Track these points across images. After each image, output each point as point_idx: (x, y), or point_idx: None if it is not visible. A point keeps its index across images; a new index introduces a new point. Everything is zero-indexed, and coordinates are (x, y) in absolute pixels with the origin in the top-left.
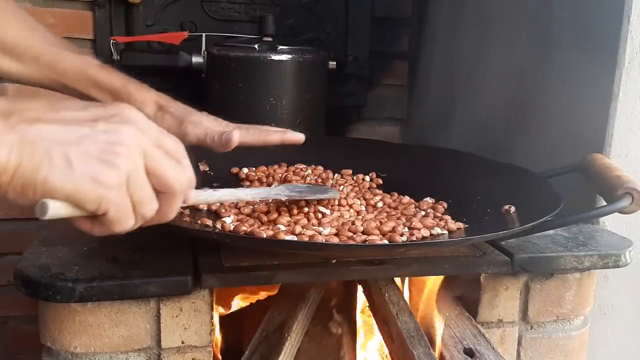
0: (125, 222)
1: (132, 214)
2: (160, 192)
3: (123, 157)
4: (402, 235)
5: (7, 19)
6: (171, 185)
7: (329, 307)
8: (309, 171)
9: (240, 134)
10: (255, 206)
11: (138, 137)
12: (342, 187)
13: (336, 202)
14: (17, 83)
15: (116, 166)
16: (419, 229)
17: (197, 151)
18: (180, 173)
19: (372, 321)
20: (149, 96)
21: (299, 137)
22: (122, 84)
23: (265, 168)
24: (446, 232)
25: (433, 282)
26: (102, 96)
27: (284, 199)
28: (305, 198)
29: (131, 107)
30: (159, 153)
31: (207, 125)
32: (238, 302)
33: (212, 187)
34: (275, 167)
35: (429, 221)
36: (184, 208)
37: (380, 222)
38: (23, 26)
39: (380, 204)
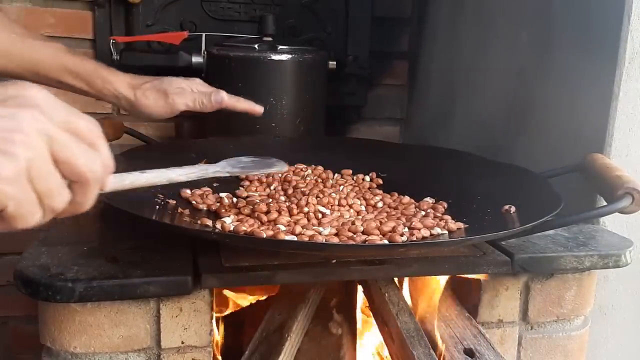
0: (29, 217)
1: (37, 207)
2: (72, 180)
3: (21, 145)
4: (402, 235)
5: None
6: (82, 173)
7: (329, 307)
8: (309, 171)
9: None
10: (255, 206)
11: (40, 121)
12: (342, 187)
13: (336, 202)
14: None
15: (12, 156)
16: (419, 229)
17: (197, 151)
18: (93, 159)
19: (372, 321)
20: (123, 78)
21: (255, 109)
22: (93, 69)
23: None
24: (446, 232)
25: (436, 284)
26: (76, 82)
27: (224, 175)
28: (249, 173)
29: (34, 87)
30: (66, 137)
31: (191, 93)
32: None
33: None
34: None
35: (429, 221)
36: (105, 195)
37: (380, 222)
38: None
39: (380, 204)
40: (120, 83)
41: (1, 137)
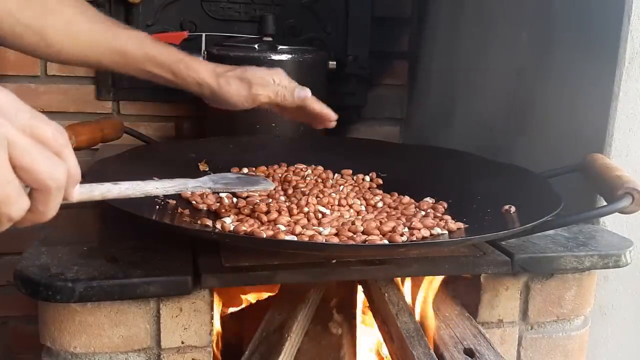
0: None
1: None
2: (33, 188)
3: None
4: (402, 235)
5: (61, 5)
6: (43, 180)
7: (329, 307)
8: (309, 171)
9: (311, 101)
10: (255, 206)
11: (0, 124)
12: (342, 187)
13: (336, 202)
14: (71, 64)
15: None
16: (419, 229)
17: (197, 151)
18: (55, 166)
19: (373, 321)
20: (206, 66)
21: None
22: (178, 58)
23: (265, 168)
24: (446, 232)
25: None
26: (160, 71)
27: (206, 192)
28: (233, 190)
29: None
30: (28, 142)
31: (274, 85)
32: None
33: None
34: (275, 167)
35: (429, 221)
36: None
37: (380, 222)
38: (75, 10)
39: (380, 204)
40: (204, 71)
41: None
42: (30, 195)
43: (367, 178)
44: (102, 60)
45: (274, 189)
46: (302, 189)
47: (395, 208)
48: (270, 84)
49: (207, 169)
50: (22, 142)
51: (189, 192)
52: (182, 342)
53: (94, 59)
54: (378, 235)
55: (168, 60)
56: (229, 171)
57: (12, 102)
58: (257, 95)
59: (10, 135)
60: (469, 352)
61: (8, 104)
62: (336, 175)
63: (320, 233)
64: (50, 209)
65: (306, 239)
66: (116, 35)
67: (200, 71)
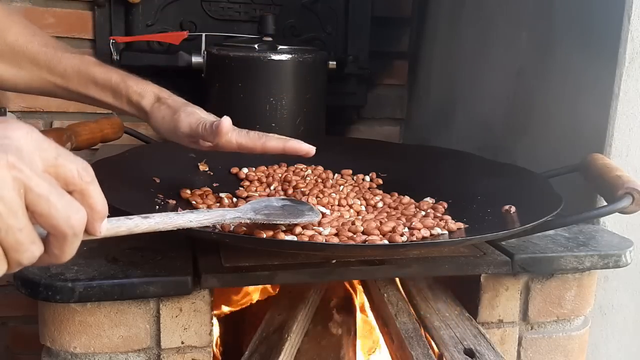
0: None
1: (3, 260)
2: (49, 232)
3: None
4: (402, 235)
5: (8, 24)
6: (59, 227)
7: (329, 307)
8: (309, 171)
9: (234, 134)
10: None
11: (16, 168)
12: (342, 187)
13: (336, 202)
14: (13, 91)
15: None
16: (419, 229)
17: (197, 151)
18: (74, 212)
19: (373, 321)
20: (149, 88)
21: (303, 148)
22: (120, 79)
23: (265, 168)
24: (446, 232)
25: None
26: (101, 94)
27: (245, 221)
28: (274, 222)
29: (20, 128)
30: (44, 187)
31: (200, 115)
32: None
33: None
34: (275, 167)
35: (429, 221)
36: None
37: (381, 222)
38: (23, 31)
39: (380, 204)
40: (145, 94)
41: None
42: (45, 238)
43: (367, 178)
44: (44, 84)
45: (274, 190)
46: (302, 189)
47: (395, 208)
48: (196, 115)
49: (207, 169)
50: (40, 187)
51: (191, 192)
52: (182, 342)
53: (37, 82)
54: (378, 235)
55: (109, 82)
56: (229, 171)
57: (35, 142)
58: (179, 121)
59: (27, 180)
60: (469, 352)
61: (30, 144)
62: (336, 175)
63: (320, 233)
64: (66, 254)
65: (306, 239)
66: (60, 58)
67: (141, 95)
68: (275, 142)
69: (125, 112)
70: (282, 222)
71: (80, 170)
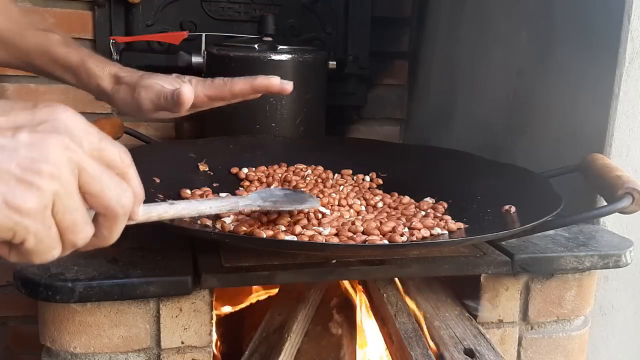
0: (47, 252)
1: (57, 242)
2: (99, 213)
3: (47, 177)
4: (402, 235)
5: None
6: (111, 207)
7: (329, 307)
8: (309, 171)
9: (199, 87)
10: None
11: (70, 149)
12: (342, 187)
13: (336, 202)
14: None
15: (38, 188)
16: (419, 229)
17: (197, 151)
18: (123, 192)
19: (373, 321)
20: (107, 68)
21: (273, 82)
22: (79, 60)
23: (265, 168)
24: (446, 232)
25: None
26: (64, 74)
27: (255, 209)
28: (281, 209)
29: (67, 110)
30: (97, 168)
31: (159, 86)
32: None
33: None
34: (275, 167)
35: (429, 221)
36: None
37: (381, 222)
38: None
39: (380, 204)
40: (105, 77)
41: (28, 167)
42: (95, 219)
43: (367, 178)
44: (11, 60)
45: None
46: (302, 189)
47: (395, 208)
48: (154, 88)
49: (206, 169)
50: (92, 168)
51: (191, 192)
52: (182, 342)
53: (5, 58)
54: (378, 236)
55: (69, 63)
56: (229, 171)
57: (81, 125)
58: (140, 99)
59: (81, 161)
60: (469, 352)
61: (78, 127)
62: (336, 175)
63: (320, 233)
64: (114, 234)
65: (306, 239)
66: (24, 37)
67: (100, 77)
68: (242, 84)
69: (89, 92)
70: (288, 209)
71: (122, 154)
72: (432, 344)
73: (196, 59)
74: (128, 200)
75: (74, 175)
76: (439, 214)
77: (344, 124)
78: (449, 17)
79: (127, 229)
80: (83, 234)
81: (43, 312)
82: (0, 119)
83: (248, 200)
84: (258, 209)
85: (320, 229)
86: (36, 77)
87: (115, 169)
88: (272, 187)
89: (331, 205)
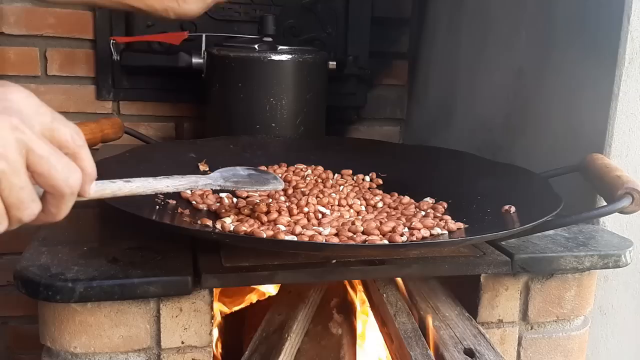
0: None
1: (4, 217)
2: (47, 191)
3: None
4: (402, 235)
5: None
6: (58, 186)
7: (329, 307)
8: (309, 171)
9: None
10: (255, 206)
11: (19, 130)
12: (342, 187)
13: (336, 202)
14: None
15: None
16: (419, 229)
17: (197, 151)
18: (71, 172)
19: (373, 321)
20: None
21: None
22: None
23: (265, 168)
24: (446, 232)
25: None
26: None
27: (215, 188)
28: (243, 189)
29: (20, 91)
30: (45, 148)
31: None
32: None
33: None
34: (275, 167)
35: (429, 221)
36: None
37: (380, 222)
38: None
39: (380, 204)
40: None
41: None
42: (43, 197)
43: (367, 178)
44: None
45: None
46: (302, 189)
47: (395, 208)
48: None
49: (207, 169)
50: (40, 149)
51: (191, 192)
52: (182, 342)
53: None
54: (378, 236)
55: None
56: None
57: (32, 105)
58: None
59: (30, 142)
60: (469, 352)
61: (29, 107)
62: (336, 175)
63: (320, 233)
64: (62, 211)
65: (306, 239)
66: None
67: None
68: None
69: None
70: (249, 189)
71: (74, 134)
72: (432, 343)
73: (196, 60)
74: (75, 179)
75: (21, 155)
76: (438, 214)
77: (344, 124)
78: (449, 17)
79: (127, 228)
80: (29, 210)
81: (43, 312)
82: None
83: (208, 180)
84: (218, 188)
85: (320, 229)
86: (37, 77)
87: (66, 149)
88: (239, 166)
89: (331, 205)
